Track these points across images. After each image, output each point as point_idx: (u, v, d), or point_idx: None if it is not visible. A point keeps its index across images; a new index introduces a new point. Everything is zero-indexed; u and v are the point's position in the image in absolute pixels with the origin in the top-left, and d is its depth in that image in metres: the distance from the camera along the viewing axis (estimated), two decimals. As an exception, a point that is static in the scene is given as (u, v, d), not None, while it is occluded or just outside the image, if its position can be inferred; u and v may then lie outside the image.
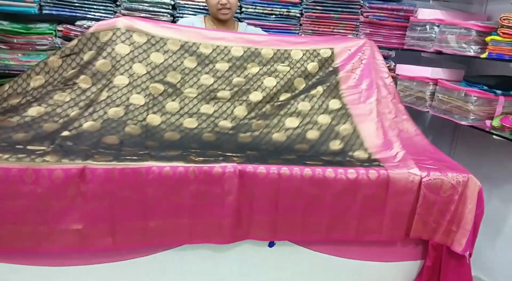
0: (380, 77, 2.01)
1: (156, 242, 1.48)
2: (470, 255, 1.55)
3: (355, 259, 1.64)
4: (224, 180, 1.45)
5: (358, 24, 2.67)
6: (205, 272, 1.58)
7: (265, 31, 2.58)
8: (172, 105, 1.73)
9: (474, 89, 2.10)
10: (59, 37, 2.43)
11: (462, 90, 2.13)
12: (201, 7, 2.51)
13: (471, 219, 1.54)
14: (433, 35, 2.40)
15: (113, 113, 1.63)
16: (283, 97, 1.87)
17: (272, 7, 2.57)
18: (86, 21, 2.41)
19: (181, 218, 1.46)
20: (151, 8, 2.47)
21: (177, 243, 1.52)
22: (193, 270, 1.57)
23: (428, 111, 2.39)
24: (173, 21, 2.48)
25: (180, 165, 1.42)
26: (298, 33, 2.64)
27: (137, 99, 1.69)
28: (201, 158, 1.47)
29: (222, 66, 1.85)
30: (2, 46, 2.37)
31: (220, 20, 2.12)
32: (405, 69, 2.60)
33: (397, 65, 2.67)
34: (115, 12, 2.46)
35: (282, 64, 1.91)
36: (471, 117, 2.07)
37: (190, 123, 1.71)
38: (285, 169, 1.48)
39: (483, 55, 2.03)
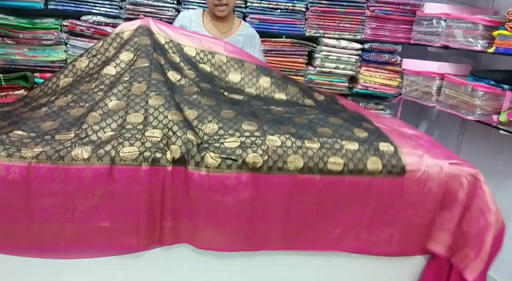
0: None
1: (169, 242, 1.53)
2: None
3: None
4: (236, 190, 1.47)
5: (364, 18, 2.65)
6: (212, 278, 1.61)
7: (269, 25, 2.58)
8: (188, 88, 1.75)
9: (481, 84, 2.08)
10: (64, 32, 2.43)
11: (469, 85, 2.11)
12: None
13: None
14: (439, 30, 2.38)
15: (136, 89, 1.64)
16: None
17: (277, 2, 2.56)
18: (91, 16, 2.41)
19: (190, 222, 1.50)
20: (156, 3, 2.47)
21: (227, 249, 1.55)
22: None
23: (434, 106, 2.38)
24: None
25: (196, 172, 1.45)
26: (303, 28, 2.62)
27: (158, 76, 1.70)
28: (218, 160, 1.48)
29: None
30: (8, 41, 2.37)
31: (218, 17, 2.11)
32: (411, 64, 2.59)
33: (403, 59, 2.66)
34: (120, 7, 2.46)
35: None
36: (478, 112, 2.06)
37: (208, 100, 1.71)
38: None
39: (490, 50, 2.02)
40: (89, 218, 1.42)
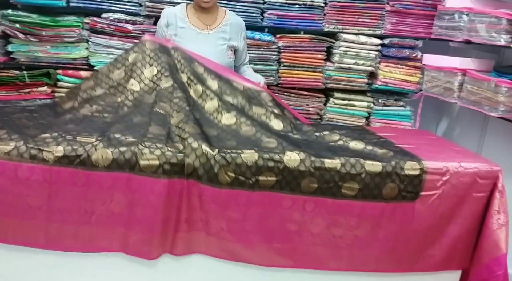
0: None
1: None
2: None
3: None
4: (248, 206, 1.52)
5: (384, 13, 2.61)
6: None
7: (287, 21, 2.57)
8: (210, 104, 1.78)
9: (505, 79, 2.04)
10: (85, 29, 2.47)
11: (492, 81, 2.07)
12: (225, -2, 2.51)
13: None
14: (461, 24, 2.34)
15: (160, 107, 1.70)
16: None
17: (295, -3, 2.55)
18: (111, 13, 2.45)
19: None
20: (175, 0, 2.48)
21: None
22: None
23: (456, 102, 2.34)
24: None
25: (210, 186, 1.50)
26: (321, 23, 2.61)
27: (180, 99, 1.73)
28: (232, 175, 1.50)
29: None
30: (32, 39, 2.42)
31: (203, 8, 2.11)
32: (432, 59, 2.55)
33: (424, 55, 2.62)
34: (140, 5, 2.48)
35: None
36: (501, 109, 2.02)
37: (227, 119, 1.74)
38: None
39: (515, 44, 1.97)
40: (105, 222, 1.47)
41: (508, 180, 1.68)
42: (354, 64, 2.62)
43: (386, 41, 2.61)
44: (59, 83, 2.50)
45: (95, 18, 2.44)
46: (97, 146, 1.44)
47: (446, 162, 1.61)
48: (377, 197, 1.56)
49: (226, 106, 1.77)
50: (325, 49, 2.62)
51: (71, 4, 2.43)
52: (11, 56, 2.46)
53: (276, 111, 1.86)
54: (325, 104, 2.69)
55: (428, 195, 1.58)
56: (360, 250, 1.60)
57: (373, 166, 1.55)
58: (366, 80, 2.70)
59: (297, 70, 2.61)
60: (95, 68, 2.49)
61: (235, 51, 2.20)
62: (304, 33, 2.60)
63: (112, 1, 2.46)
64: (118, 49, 2.50)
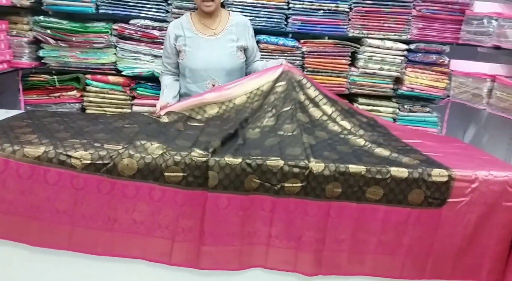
0: None
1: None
2: None
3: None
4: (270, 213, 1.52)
5: (410, 18, 2.59)
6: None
7: (312, 27, 2.56)
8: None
9: (536, 85, 1.99)
10: (114, 35, 2.53)
11: (522, 87, 2.02)
12: (250, 4, 2.52)
13: None
14: (490, 29, 2.29)
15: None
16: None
17: (320, 2, 2.54)
18: (139, 19, 2.50)
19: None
20: (200, 6, 2.51)
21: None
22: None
23: (484, 109, 2.29)
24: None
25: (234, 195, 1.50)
26: (346, 28, 2.59)
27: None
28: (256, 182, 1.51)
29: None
30: (62, 44, 2.50)
31: (206, 13, 2.13)
32: (460, 65, 2.50)
33: (452, 60, 2.57)
34: (167, 11, 2.53)
35: None
36: (532, 116, 1.96)
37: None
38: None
39: (547, 50, 1.92)
40: (127, 230, 1.50)
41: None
42: (379, 69, 2.60)
43: (413, 46, 2.58)
44: (88, 88, 2.57)
45: (123, 25, 2.50)
46: (123, 154, 1.46)
47: (475, 170, 1.57)
48: (402, 202, 1.54)
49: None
50: (349, 54, 2.61)
51: (100, 11, 2.50)
52: (42, 61, 2.55)
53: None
54: (349, 110, 2.67)
55: (456, 202, 1.54)
56: (384, 256, 1.58)
57: (399, 172, 1.53)
58: (391, 86, 2.67)
59: (321, 75, 2.61)
60: (122, 73, 2.55)
61: (245, 50, 2.23)
62: (329, 38, 2.59)
63: (140, 8, 2.52)
64: (145, 54, 2.55)
